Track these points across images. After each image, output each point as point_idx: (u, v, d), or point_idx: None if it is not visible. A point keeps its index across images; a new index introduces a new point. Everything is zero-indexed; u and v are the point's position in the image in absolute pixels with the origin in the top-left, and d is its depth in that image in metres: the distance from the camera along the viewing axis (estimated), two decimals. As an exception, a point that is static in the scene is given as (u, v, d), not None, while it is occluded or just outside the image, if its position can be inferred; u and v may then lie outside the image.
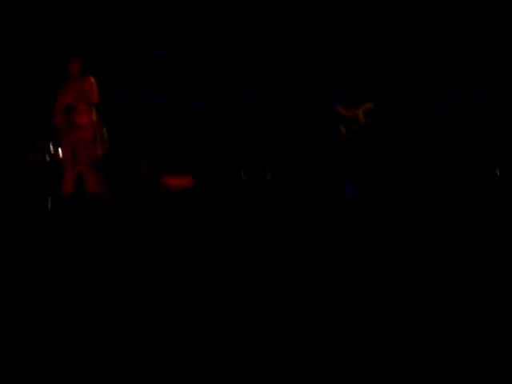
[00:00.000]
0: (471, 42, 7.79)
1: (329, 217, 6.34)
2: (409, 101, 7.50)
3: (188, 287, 3.39)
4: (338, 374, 2.09)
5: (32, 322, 2.78)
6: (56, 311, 2.97)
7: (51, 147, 8.34)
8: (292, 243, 4.73)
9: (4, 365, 2.26)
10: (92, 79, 7.38)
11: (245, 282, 3.46)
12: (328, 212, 6.73)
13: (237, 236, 5.26)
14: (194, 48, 9.23)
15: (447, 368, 2.12)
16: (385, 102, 7.10)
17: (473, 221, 5.44)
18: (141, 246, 4.95)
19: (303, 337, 2.45)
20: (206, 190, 8.21)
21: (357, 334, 2.47)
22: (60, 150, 7.78)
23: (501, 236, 4.65)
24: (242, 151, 8.07)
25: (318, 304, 2.91)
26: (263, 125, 7.94)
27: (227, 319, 2.72)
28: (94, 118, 7.42)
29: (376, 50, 7.30)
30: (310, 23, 8.63)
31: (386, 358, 2.19)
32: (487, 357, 2.20)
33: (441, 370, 2.12)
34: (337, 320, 2.63)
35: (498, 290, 3.11)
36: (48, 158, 8.40)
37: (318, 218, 6.26)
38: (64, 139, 7.47)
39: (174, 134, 9.35)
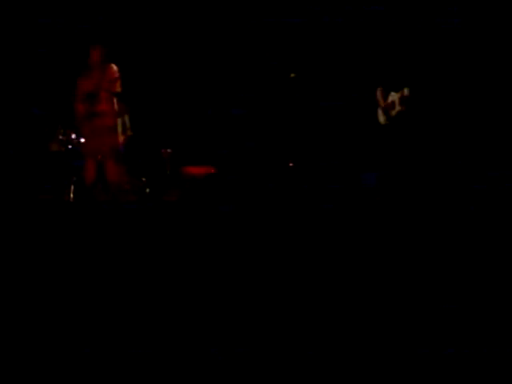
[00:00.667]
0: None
1: (350, 205, 6.24)
2: (447, 90, 7.32)
3: (208, 274, 3.33)
4: (337, 374, 2.01)
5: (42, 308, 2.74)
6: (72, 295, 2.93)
7: (73, 136, 8.35)
8: (311, 232, 4.64)
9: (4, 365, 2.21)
10: (114, 67, 7.33)
11: (269, 265, 3.39)
12: (350, 201, 6.64)
13: (257, 224, 5.19)
14: (223, 35, 9.17)
15: (447, 368, 2.03)
16: (422, 89, 6.92)
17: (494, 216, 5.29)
18: (160, 234, 4.90)
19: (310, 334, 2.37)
20: (228, 180, 8.15)
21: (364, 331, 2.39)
22: (81, 138, 7.77)
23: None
24: (266, 139, 7.98)
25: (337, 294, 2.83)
26: (291, 111, 7.84)
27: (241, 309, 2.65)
28: (116, 106, 7.38)
29: (412, 40, 7.14)
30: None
31: (385, 357, 2.11)
32: (487, 357, 2.11)
33: (440, 370, 2.03)
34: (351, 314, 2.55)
35: (498, 290, 3.00)
36: (70, 147, 8.41)
37: (340, 207, 6.16)
38: (85, 127, 7.44)
39: (197, 124, 9.32)
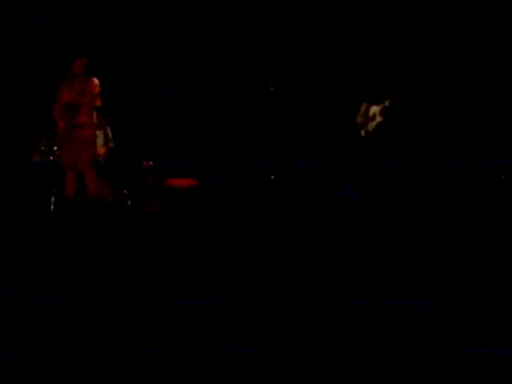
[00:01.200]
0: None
1: (333, 216, 6.27)
2: (425, 99, 7.41)
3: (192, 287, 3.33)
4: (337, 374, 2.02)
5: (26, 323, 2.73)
6: (53, 311, 2.92)
7: (54, 147, 8.33)
8: (295, 241, 4.67)
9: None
10: (96, 81, 7.30)
11: (249, 280, 3.40)
12: (332, 211, 6.67)
13: (239, 235, 5.20)
14: (200, 49, 9.20)
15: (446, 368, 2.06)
16: (401, 100, 7.02)
17: (475, 221, 5.35)
18: (143, 245, 4.90)
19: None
20: (210, 191, 8.16)
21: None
22: (61, 149, 7.75)
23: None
24: (248, 151, 8.00)
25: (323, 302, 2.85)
26: (273, 123, 7.86)
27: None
28: (95, 119, 7.38)
29: (394, 49, 7.22)
30: (323, 22, 8.58)
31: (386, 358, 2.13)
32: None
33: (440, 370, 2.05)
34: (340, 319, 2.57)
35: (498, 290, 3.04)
36: (51, 158, 8.39)
37: (322, 217, 6.19)
38: (65, 139, 7.42)
39: (180, 135, 9.32)
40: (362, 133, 7.26)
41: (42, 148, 8.55)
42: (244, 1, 8.84)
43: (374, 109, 7.20)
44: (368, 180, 6.96)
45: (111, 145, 8.59)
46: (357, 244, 4.43)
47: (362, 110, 7.30)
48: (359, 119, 7.31)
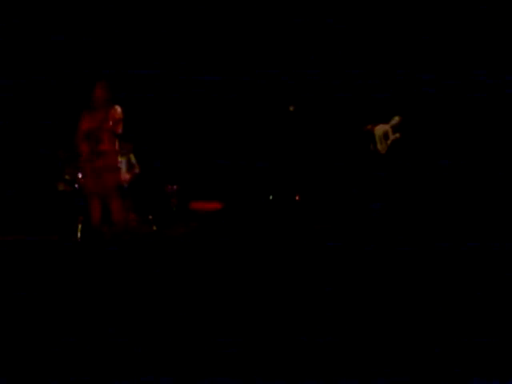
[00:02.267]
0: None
1: (356, 234, 6.22)
2: (438, 115, 7.35)
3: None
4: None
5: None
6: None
7: (79, 175, 8.38)
8: (318, 261, 4.62)
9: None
10: (118, 109, 7.32)
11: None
12: (355, 229, 6.63)
13: (265, 260, 5.16)
14: (219, 72, 9.26)
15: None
16: (413, 116, 6.96)
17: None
18: (167, 272, 4.88)
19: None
20: (234, 214, 8.14)
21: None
22: (85, 177, 7.78)
23: None
24: (270, 174, 8.00)
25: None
26: (291, 144, 7.85)
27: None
28: (118, 146, 7.40)
29: (405, 63, 7.18)
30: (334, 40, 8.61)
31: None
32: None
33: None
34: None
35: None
36: (76, 186, 8.44)
37: (344, 236, 6.14)
38: (87, 167, 7.42)
39: (203, 159, 9.35)
40: (381, 149, 7.16)
41: (67, 177, 8.61)
42: (261, 24, 8.89)
43: (383, 127, 7.14)
44: (393, 198, 6.90)
45: (136, 170, 8.63)
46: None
47: (374, 129, 7.20)
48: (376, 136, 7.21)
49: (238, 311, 3.28)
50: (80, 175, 8.32)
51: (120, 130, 7.33)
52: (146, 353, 2.65)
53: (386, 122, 7.05)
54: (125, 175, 8.37)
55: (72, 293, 4.20)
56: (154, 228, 8.42)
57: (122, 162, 8.25)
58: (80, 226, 7.66)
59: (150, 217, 8.51)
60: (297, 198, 7.99)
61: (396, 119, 7.01)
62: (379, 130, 7.04)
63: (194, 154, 9.42)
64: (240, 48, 9.19)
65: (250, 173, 8.01)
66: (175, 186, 9.08)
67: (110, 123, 7.19)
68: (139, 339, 2.84)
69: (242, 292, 3.83)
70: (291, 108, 7.38)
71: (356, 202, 7.68)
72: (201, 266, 4.95)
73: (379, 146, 7.05)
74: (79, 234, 7.56)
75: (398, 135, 6.97)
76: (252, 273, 4.49)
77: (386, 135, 7.00)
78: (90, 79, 7.82)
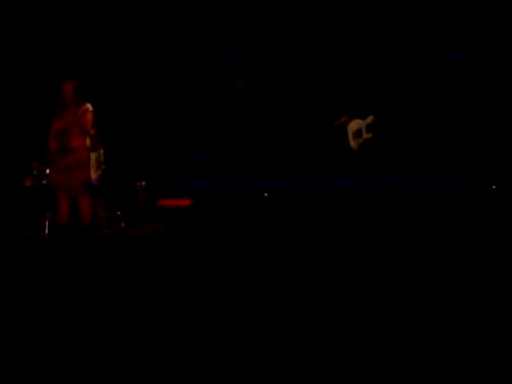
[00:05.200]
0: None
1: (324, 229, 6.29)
2: (412, 114, 7.42)
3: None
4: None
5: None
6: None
7: (47, 171, 8.30)
8: (287, 261, 4.67)
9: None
10: (88, 105, 7.29)
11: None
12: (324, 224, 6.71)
13: (234, 254, 5.20)
14: (191, 71, 9.24)
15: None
16: (388, 115, 6.98)
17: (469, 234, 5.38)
18: (136, 268, 4.88)
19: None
20: (203, 210, 8.15)
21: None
22: (53, 173, 7.71)
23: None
24: (240, 169, 8.01)
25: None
26: (263, 141, 7.87)
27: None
28: (88, 142, 7.35)
29: (380, 62, 7.21)
30: (313, 34, 8.65)
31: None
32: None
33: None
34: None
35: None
36: (44, 182, 8.36)
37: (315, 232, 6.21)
38: (57, 163, 7.37)
39: (171, 155, 9.33)
40: (353, 146, 7.17)
41: (34, 172, 8.53)
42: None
43: (359, 124, 7.15)
44: (367, 193, 6.95)
45: (103, 167, 8.57)
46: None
47: (347, 123, 7.19)
48: (348, 133, 7.22)
49: (210, 307, 3.30)
50: (48, 171, 8.25)
51: (90, 127, 7.29)
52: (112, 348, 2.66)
53: (361, 118, 7.03)
54: (94, 172, 8.32)
55: (38, 289, 4.18)
56: (123, 225, 8.38)
57: (91, 158, 8.21)
58: (47, 223, 7.58)
59: (119, 213, 8.46)
60: (265, 194, 8.02)
61: (371, 118, 7.01)
62: (354, 125, 7.05)
63: (163, 150, 9.39)
64: (208, 42, 9.19)
65: (220, 169, 8.01)
66: (143, 183, 9.04)
67: (80, 120, 7.15)
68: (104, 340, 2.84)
69: (213, 288, 3.85)
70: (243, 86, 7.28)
71: (326, 199, 7.75)
72: (170, 263, 4.96)
73: (352, 143, 7.07)
74: (47, 231, 7.48)
75: (370, 135, 6.99)
76: (222, 268, 4.51)
77: (359, 132, 7.02)
78: (60, 76, 7.76)
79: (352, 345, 2.43)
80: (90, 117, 7.18)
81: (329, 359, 2.30)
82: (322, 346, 2.48)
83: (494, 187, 7.65)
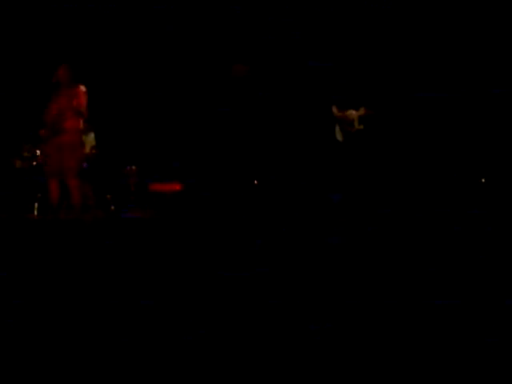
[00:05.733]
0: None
1: (316, 222, 6.31)
2: (406, 107, 7.44)
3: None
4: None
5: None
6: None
7: (37, 152, 8.32)
8: (278, 249, 4.69)
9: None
10: (82, 88, 7.29)
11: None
12: (316, 216, 6.72)
13: (223, 241, 5.21)
14: (183, 56, 9.25)
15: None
16: (381, 107, 6.99)
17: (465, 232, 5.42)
18: (125, 252, 4.89)
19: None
20: (194, 195, 8.17)
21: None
22: (45, 154, 7.73)
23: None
24: (231, 156, 8.01)
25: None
26: (254, 130, 7.88)
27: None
28: (81, 124, 7.35)
29: (374, 55, 7.21)
30: (308, 28, 8.66)
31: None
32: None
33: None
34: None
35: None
36: (34, 163, 8.38)
37: (307, 223, 6.22)
38: (49, 144, 7.39)
39: (164, 141, 9.34)
40: (339, 138, 7.15)
41: (25, 154, 8.54)
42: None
43: (352, 114, 7.13)
44: (357, 188, 6.97)
45: (94, 150, 8.59)
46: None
47: (336, 114, 7.18)
48: (336, 125, 7.20)
49: (196, 295, 3.32)
50: (39, 152, 8.27)
51: (81, 108, 7.29)
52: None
53: (354, 109, 7.02)
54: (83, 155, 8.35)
55: (27, 273, 4.18)
56: (112, 208, 8.41)
57: (84, 140, 8.23)
58: (37, 204, 7.60)
59: (109, 196, 8.49)
60: (255, 182, 8.04)
61: (362, 110, 6.99)
62: (349, 115, 7.04)
63: (154, 135, 9.41)
64: (203, 33, 9.20)
65: (210, 155, 8.02)
66: (134, 167, 9.06)
67: (74, 102, 7.16)
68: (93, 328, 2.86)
69: (201, 274, 3.87)
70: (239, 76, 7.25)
71: (316, 189, 7.79)
72: (160, 248, 4.97)
73: (338, 135, 7.07)
74: (36, 212, 7.50)
75: (361, 126, 6.98)
76: (211, 256, 4.53)
77: (351, 123, 7.01)
78: (53, 59, 7.78)
79: (352, 346, 2.47)
80: (84, 98, 7.19)
81: (329, 360, 2.33)
82: (321, 347, 2.51)
83: (483, 180, 7.72)
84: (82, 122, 7.28)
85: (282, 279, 3.61)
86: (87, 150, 8.42)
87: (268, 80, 7.95)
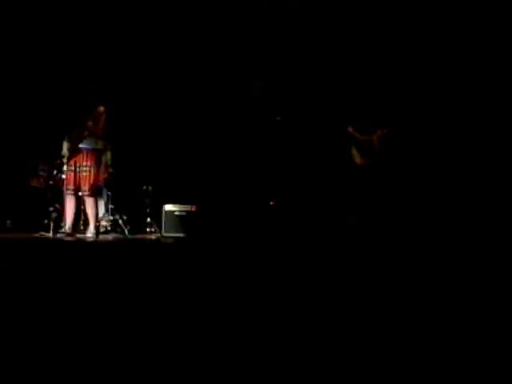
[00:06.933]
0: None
1: (331, 243, 6.27)
2: (424, 130, 7.36)
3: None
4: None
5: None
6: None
7: (54, 172, 8.35)
8: (294, 269, 4.64)
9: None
10: (100, 109, 7.38)
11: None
12: (331, 237, 6.68)
13: (239, 262, 5.17)
14: (201, 77, 9.27)
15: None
16: (400, 129, 6.88)
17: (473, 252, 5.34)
18: (140, 273, 4.86)
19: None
20: (209, 217, 8.14)
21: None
22: (61, 174, 7.78)
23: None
24: (247, 178, 7.99)
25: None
26: (271, 148, 7.84)
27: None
28: (100, 144, 7.42)
29: (393, 75, 7.13)
30: (322, 46, 8.67)
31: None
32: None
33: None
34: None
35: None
36: (51, 183, 8.40)
37: (321, 244, 6.18)
38: (68, 164, 7.49)
39: (179, 162, 9.34)
40: (358, 161, 7.04)
41: (41, 173, 8.57)
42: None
43: (369, 136, 7.00)
44: (369, 209, 6.88)
45: (110, 170, 8.60)
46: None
47: (357, 136, 7.07)
48: (353, 147, 7.08)
49: (210, 316, 3.27)
50: (55, 172, 8.30)
51: (97, 130, 7.36)
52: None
53: (373, 132, 6.90)
54: (101, 174, 8.36)
55: (40, 290, 4.15)
56: (127, 228, 8.40)
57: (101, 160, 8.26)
58: (52, 224, 7.60)
59: (125, 217, 8.48)
60: (271, 202, 8.00)
61: (384, 130, 6.84)
62: (370, 138, 6.91)
63: (170, 155, 9.41)
64: (217, 51, 9.22)
65: (226, 176, 8.01)
66: (149, 187, 9.06)
67: (90, 122, 7.26)
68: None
69: (216, 296, 3.83)
70: (278, 118, 7.28)
71: (332, 210, 7.73)
72: (175, 269, 4.94)
73: (357, 158, 6.95)
74: (52, 232, 7.50)
75: (381, 146, 6.85)
76: (225, 275, 4.49)
77: (370, 144, 6.89)
78: (68, 74, 7.85)
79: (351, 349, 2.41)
80: (102, 120, 7.29)
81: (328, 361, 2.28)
82: (320, 349, 2.46)
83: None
84: (100, 142, 7.35)
85: (297, 299, 3.56)
86: (103, 170, 8.45)
87: (284, 100, 7.94)
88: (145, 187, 9.03)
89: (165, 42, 9.42)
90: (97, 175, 7.47)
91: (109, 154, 8.56)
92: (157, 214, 8.83)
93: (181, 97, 9.35)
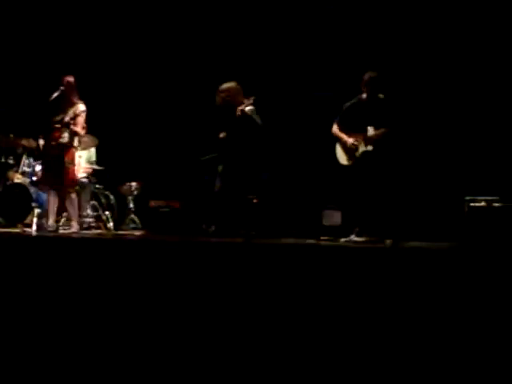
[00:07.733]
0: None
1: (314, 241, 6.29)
2: (414, 129, 7.35)
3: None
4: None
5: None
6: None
7: (36, 167, 8.34)
8: (275, 267, 4.66)
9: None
10: (81, 107, 7.40)
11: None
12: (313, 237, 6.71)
13: (221, 259, 5.18)
14: (187, 73, 9.26)
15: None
16: (391, 129, 6.83)
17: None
18: (122, 269, 4.86)
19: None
20: (193, 212, 8.14)
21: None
22: (42, 170, 7.77)
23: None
24: (231, 175, 7.98)
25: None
26: (253, 149, 7.83)
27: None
28: (76, 141, 7.44)
29: (384, 75, 7.09)
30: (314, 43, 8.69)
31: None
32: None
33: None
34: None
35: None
36: (34, 178, 8.38)
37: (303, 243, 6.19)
38: (46, 159, 7.52)
39: (164, 157, 9.32)
40: (343, 161, 6.98)
41: (24, 169, 8.53)
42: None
43: (356, 136, 6.93)
44: (353, 208, 6.86)
45: (94, 166, 8.58)
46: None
47: (339, 136, 7.02)
48: (338, 147, 7.03)
49: (192, 310, 3.29)
50: (38, 167, 8.28)
51: (80, 128, 7.38)
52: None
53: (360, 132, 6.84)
54: (85, 169, 8.35)
55: (23, 288, 4.16)
56: (111, 224, 8.38)
57: (82, 156, 8.23)
58: (35, 220, 7.58)
59: (107, 213, 8.47)
60: (254, 200, 7.99)
61: (370, 130, 6.76)
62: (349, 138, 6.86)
63: (155, 151, 9.39)
64: (202, 48, 9.22)
65: (210, 173, 8.00)
66: (133, 183, 9.04)
67: (71, 121, 7.30)
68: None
69: (198, 292, 3.84)
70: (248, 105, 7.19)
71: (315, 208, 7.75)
72: (157, 266, 4.94)
73: (342, 159, 6.88)
74: (34, 227, 7.48)
75: (368, 147, 6.78)
76: (207, 272, 4.50)
77: (356, 145, 6.82)
78: (54, 70, 7.84)
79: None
80: (81, 118, 7.32)
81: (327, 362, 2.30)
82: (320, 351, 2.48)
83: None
84: (76, 139, 7.37)
85: (287, 295, 3.56)
86: (87, 165, 8.42)
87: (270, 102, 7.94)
88: (128, 183, 9.01)
89: (149, 35, 9.39)
90: (73, 171, 7.47)
91: (93, 150, 8.53)
92: (141, 210, 8.81)
93: (169, 92, 9.34)
